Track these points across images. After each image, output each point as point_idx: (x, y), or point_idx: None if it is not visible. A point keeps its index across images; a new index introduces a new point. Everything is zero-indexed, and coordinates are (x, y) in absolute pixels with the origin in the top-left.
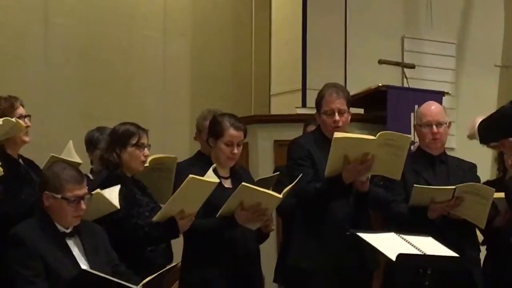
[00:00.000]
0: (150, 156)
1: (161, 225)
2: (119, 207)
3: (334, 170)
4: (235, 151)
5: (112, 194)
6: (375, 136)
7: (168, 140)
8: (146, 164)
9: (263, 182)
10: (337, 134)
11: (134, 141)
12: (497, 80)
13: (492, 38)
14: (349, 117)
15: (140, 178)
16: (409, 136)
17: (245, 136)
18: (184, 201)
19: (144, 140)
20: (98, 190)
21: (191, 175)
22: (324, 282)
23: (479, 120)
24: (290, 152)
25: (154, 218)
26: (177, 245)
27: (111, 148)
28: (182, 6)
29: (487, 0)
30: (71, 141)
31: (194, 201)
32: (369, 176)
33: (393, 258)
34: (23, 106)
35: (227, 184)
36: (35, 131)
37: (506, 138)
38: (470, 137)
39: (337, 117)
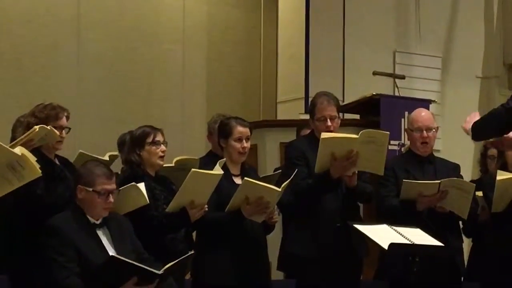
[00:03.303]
0: (175, 158)
1: (174, 215)
2: (148, 201)
3: (323, 167)
4: (245, 145)
5: (141, 187)
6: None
7: (186, 141)
8: (172, 164)
9: (266, 179)
10: (324, 135)
11: (150, 139)
12: (478, 89)
13: (474, 52)
14: (339, 122)
15: (167, 176)
16: (387, 133)
17: (251, 132)
18: (192, 193)
19: (159, 138)
20: (133, 183)
21: (193, 169)
22: (317, 268)
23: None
24: (286, 153)
25: (167, 209)
26: None
27: (132, 149)
28: (199, 24)
29: (469, 18)
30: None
31: (201, 192)
32: (356, 171)
33: (386, 247)
34: (68, 118)
35: (238, 180)
36: (70, 133)
37: (493, 137)
38: (468, 133)
39: (329, 122)
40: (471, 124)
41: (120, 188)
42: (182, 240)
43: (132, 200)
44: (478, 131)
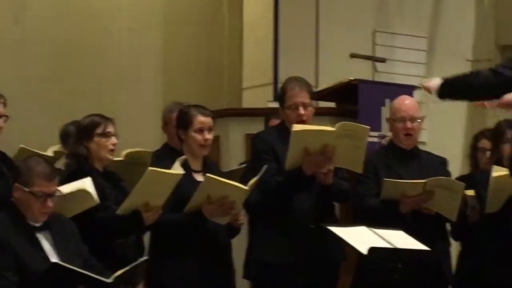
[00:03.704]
0: (125, 150)
1: (124, 218)
2: (98, 201)
3: (295, 163)
4: (207, 136)
5: (89, 186)
6: (334, 127)
7: (140, 132)
8: (121, 158)
9: (229, 174)
10: (295, 127)
11: (99, 130)
12: None
13: (463, 32)
14: (313, 110)
15: (116, 171)
16: (368, 127)
17: (214, 122)
18: (147, 194)
19: (110, 129)
20: (82, 187)
21: (150, 168)
22: (288, 276)
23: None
24: (253, 146)
25: (118, 211)
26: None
27: (78, 141)
28: (154, 1)
29: None
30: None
31: (158, 193)
32: (332, 168)
33: (364, 251)
34: (4, 105)
35: (199, 177)
36: (8, 123)
37: (465, 99)
38: (431, 92)
39: (301, 111)
40: (438, 82)
41: (65, 193)
42: (132, 245)
43: (80, 202)
44: (453, 88)
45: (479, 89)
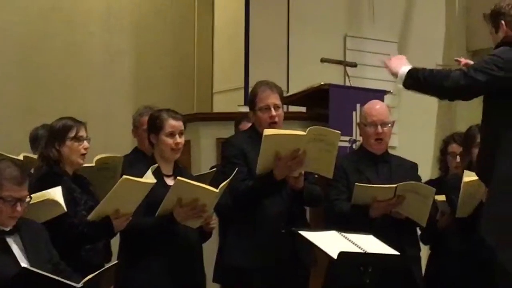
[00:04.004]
0: (96, 156)
1: (96, 224)
2: (66, 210)
3: (266, 167)
4: (178, 140)
5: (58, 195)
6: (306, 132)
7: (110, 137)
8: (92, 164)
9: (200, 178)
10: (267, 132)
11: (72, 134)
12: None
13: (434, 37)
14: (283, 114)
15: (87, 176)
16: (339, 132)
17: (185, 126)
18: (119, 201)
19: (82, 133)
20: (49, 196)
21: (124, 176)
22: (259, 280)
23: (404, 62)
24: (223, 151)
25: (89, 217)
26: (117, 243)
27: (50, 144)
28: (125, 5)
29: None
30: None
31: (129, 201)
32: (302, 172)
33: (335, 256)
34: None
35: (170, 181)
36: None
37: (430, 93)
38: (394, 75)
39: (273, 112)
40: (404, 68)
41: (32, 202)
42: (100, 250)
43: (47, 210)
44: (420, 84)
45: (447, 91)
